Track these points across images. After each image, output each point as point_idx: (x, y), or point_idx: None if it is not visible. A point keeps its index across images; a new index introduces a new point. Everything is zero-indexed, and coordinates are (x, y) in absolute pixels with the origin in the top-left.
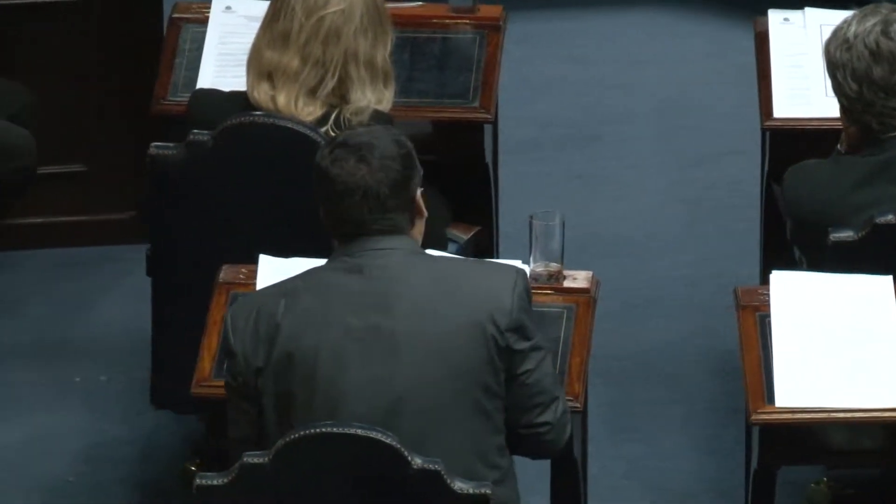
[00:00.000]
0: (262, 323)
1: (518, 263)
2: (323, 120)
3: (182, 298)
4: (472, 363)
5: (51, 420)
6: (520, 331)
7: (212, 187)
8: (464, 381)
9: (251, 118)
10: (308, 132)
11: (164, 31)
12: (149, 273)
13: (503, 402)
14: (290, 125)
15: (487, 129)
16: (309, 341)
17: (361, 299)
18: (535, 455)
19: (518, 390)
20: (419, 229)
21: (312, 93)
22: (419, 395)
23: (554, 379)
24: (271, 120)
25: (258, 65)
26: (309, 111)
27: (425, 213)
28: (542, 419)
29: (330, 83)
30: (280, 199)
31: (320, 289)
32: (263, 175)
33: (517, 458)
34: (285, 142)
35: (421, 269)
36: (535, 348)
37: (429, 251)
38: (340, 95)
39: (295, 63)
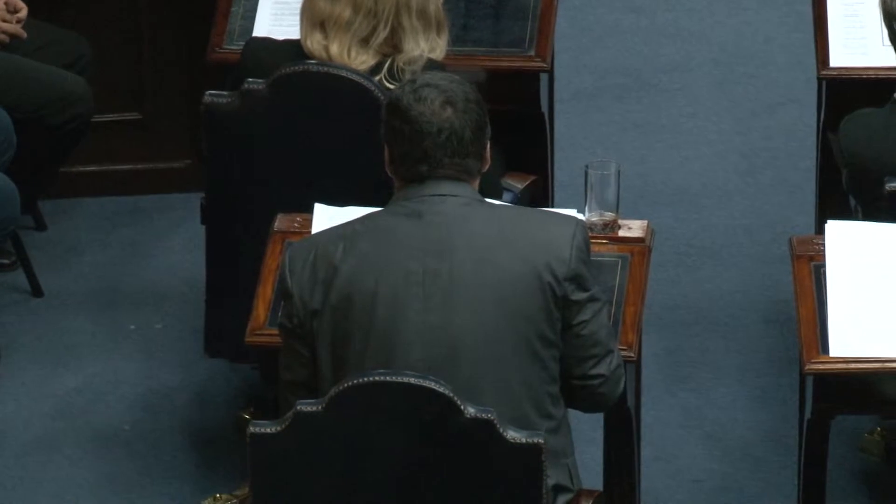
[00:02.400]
0: (319, 265)
1: (573, 212)
2: (376, 69)
3: (236, 247)
4: (528, 311)
5: (106, 368)
6: (577, 281)
7: (265, 135)
8: (520, 329)
9: (305, 66)
10: (362, 80)
11: None
12: (203, 221)
13: (559, 351)
14: (343, 73)
15: (543, 77)
16: (367, 285)
17: (421, 244)
18: (588, 408)
19: (573, 341)
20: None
21: (365, 42)
22: (475, 341)
23: (609, 332)
24: (325, 68)
25: (311, 14)
26: (362, 60)
27: (489, 163)
28: (595, 371)
29: (382, 33)
30: (334, 147)
31: (379, 233)
32: (317, 123)
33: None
34: (339, 90)
35: (480, 216)
36: (592, 299)
37: (487, 200)
38: (393, 45)
39: (347, 13)
